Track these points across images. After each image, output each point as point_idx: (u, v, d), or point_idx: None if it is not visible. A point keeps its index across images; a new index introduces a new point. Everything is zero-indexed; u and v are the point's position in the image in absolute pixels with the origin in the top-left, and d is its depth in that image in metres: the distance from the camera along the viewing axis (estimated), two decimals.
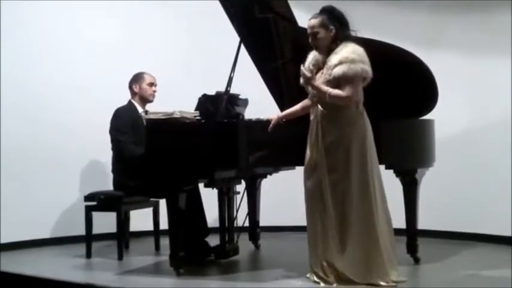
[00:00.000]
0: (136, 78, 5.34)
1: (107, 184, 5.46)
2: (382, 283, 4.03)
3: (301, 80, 4.23)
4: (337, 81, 4.03)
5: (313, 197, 4.15)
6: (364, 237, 4.06)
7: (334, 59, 4.06)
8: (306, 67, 4.15)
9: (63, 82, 5.97)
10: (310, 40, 4.17)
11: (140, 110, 5.29)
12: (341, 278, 4.07)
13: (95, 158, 5.92)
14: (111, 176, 5.29)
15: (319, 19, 4.13)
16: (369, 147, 4.10)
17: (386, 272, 4.06)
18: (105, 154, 5.29)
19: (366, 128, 4.11)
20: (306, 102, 4.37)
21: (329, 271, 4.08)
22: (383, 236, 4.09)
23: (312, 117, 4.19)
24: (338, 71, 4.01)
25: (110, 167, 5.26)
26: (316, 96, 4.13)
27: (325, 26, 4.11)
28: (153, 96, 5.35)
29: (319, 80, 4.13)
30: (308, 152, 4.20)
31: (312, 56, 4.26)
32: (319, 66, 4.21)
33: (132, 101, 5.33)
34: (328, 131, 4.08)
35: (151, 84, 5.34)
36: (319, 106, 4.11)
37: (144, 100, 5.34)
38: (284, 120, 4.45)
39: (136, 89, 5.32)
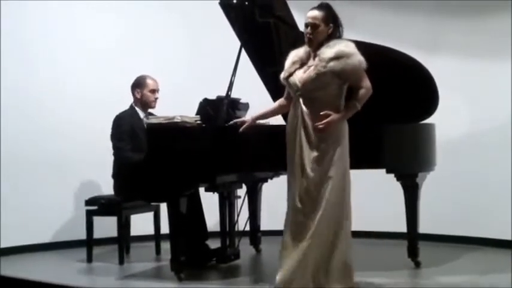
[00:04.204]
0: (138, 84, 5.31)
1: (108, 188, 5.47)
2: None
3: (282, 76, 4.13)
4: (332, 75, 3.96)
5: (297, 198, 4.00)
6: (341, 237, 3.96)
7: (328, 52, 3.98)
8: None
9: (63, 86, 5.98)
10: (306, 30, 4.05)
11: (142, 115, 5.27)
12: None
13: (96, 162, 5.91)
14: (111, 180, 5.29)
15: (322, 13, 4.05)
16: (347, 144, 4.05)
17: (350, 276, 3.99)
18: (106, 159, 5.29)
19: (346, 124, 4.05)
20: (281, 101, 4.30)
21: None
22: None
23: (291, 115, 4.08)
24: (336, 66, 3.94)
25: (111, 172, 5.26)
26: (300, 91, 4.03)
27: (326, 21, 4.04)
28: (155, 102, 5.32)
29: (307, 73, 4.03)
30: (288, 151, 4.07)
31: (293, 55, 4.16)
32: (302, 62, 4.12)
33: (134, 106, 5.31)
34: (313, 128, 3.96)
35: (154, 91, 5.30)
36: (302, 105, 4.01)
37: (146, 106, 5.31)
38: (257, 121, 4.39)
39: (138, 94, 5.29)
